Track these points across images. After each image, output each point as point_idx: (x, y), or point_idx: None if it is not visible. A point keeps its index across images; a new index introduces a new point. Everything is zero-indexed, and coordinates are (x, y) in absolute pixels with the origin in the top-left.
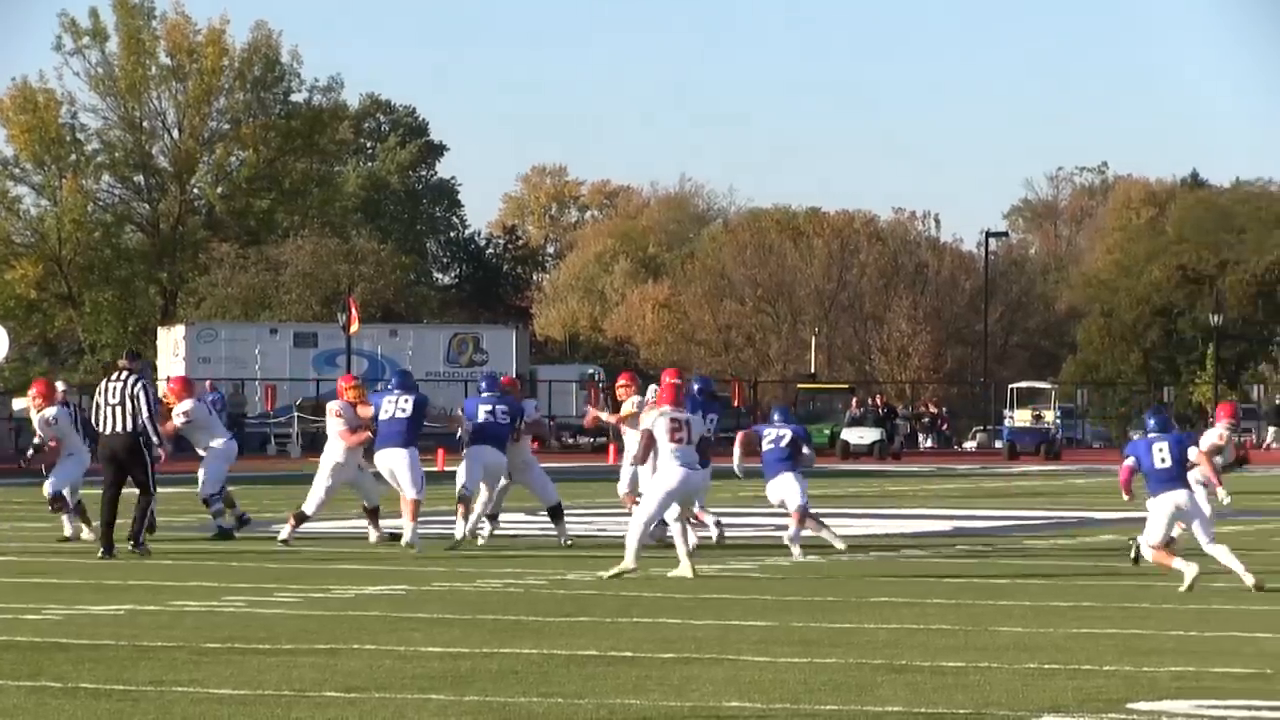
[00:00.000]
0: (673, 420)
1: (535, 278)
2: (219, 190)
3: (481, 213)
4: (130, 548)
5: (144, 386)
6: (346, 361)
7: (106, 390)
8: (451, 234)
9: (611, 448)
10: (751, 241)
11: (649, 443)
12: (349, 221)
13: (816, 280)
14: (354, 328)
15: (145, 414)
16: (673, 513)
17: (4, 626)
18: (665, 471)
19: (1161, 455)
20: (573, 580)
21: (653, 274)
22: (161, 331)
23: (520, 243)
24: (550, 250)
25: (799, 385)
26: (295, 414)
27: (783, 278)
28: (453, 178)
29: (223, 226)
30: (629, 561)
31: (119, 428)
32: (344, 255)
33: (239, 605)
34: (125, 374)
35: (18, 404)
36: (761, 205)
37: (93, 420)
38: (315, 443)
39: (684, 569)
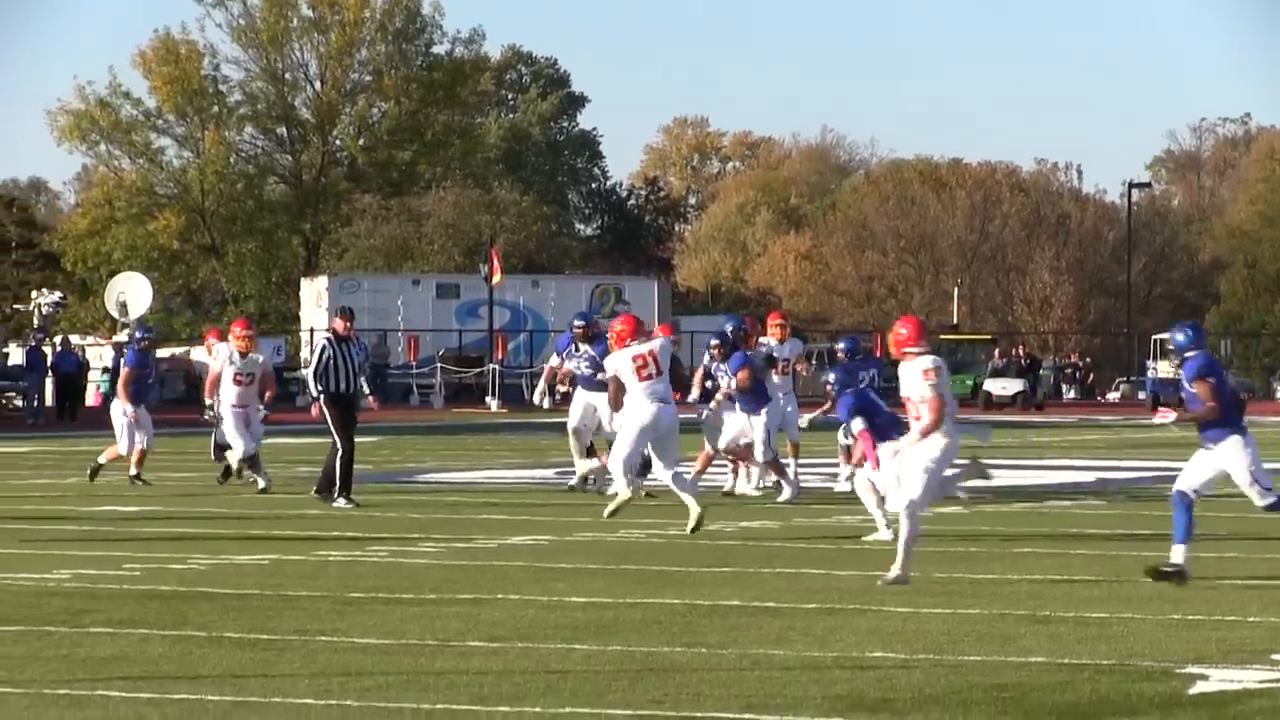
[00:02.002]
0: (636, 357)
1: (677, 229)
2: (361, 142)
3: (623, 164)
4: (336, 499)
5: (364, 346)
6: (489, 312)
7: (339, 350)
8: (593, 185)
9: None
10: (893, 192)
11: (618, 387)
12: (491, 173)
13: (959, 231)
14: (496, 279)
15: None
16: (662, 470)
17: (150, 576)
18: (637, 408)
19: None
20: (716, 530)
21: (794, 225)
22: (304, 283)
23: (662, 194)
24: (692, 201)
25: (941, 336)
26: (438, 365)
27: (925, 229)
28: (594, 129)
29: (365, 178)
30: (624, 492)
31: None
32: (486, 206)
33: (383, 555)
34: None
35: (197, 354)
36: (903, 156)
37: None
38: (458, 394)
39: (693, 512)
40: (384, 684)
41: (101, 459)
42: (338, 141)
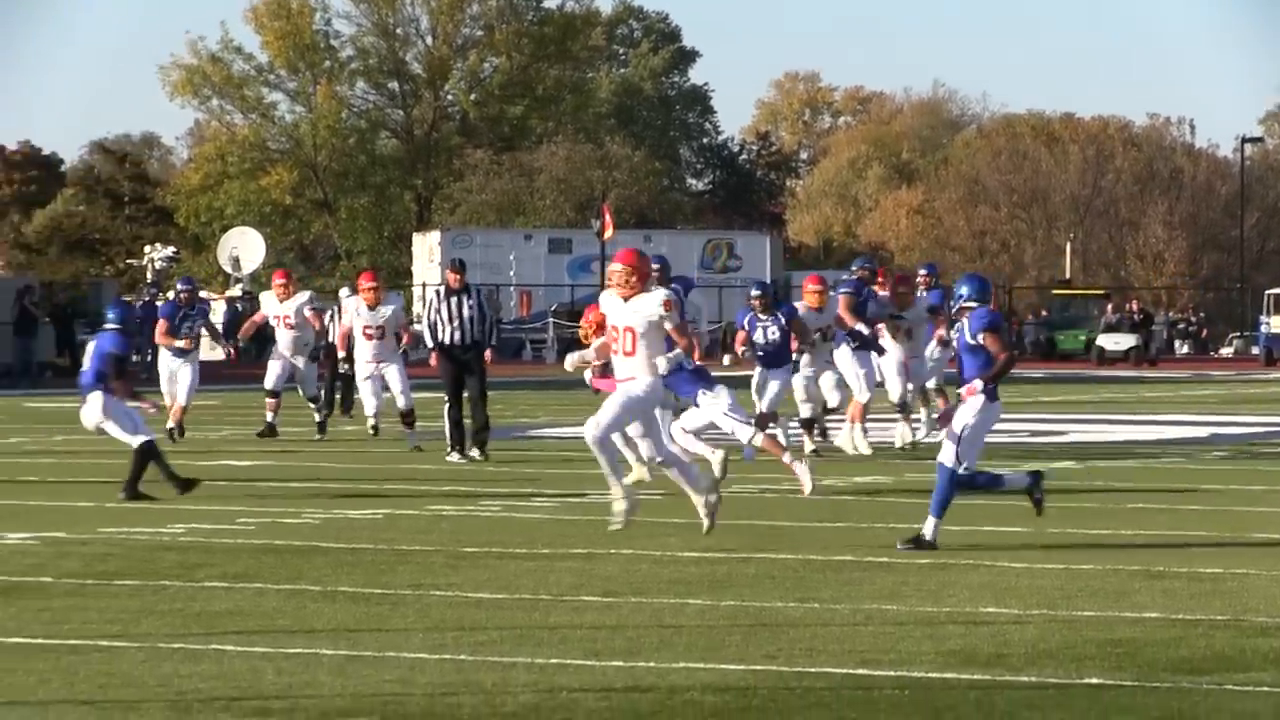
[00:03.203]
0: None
1: (788, 183)
2: (472, 97)
3: (734, 118)
4: (477, 455)
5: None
6: (601, 268)
7: (447, 303)
8: (704, 140)
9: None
10: (1006, 147)
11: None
12: (602, 128)
13: (1071, 186)
14: (608, 234)
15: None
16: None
17: (263, 530)
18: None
19: None
20: (829, 485)
21: (906, 180)
22: (416, 237)
23: (773, 149)
24: (803, 156)
25: (1054, 291)
26: (550, 320)
27: (1037, 183)
28: (705, 84)
29: (476, 133)
30: (636, 470)
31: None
32: (597, 161)
33: (496, 510)
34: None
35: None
36: (1015, 111)
37: (430, 333)
38: (571, 349)
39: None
40: (497, 638)
41: (170, 423)
42: (449, 96)
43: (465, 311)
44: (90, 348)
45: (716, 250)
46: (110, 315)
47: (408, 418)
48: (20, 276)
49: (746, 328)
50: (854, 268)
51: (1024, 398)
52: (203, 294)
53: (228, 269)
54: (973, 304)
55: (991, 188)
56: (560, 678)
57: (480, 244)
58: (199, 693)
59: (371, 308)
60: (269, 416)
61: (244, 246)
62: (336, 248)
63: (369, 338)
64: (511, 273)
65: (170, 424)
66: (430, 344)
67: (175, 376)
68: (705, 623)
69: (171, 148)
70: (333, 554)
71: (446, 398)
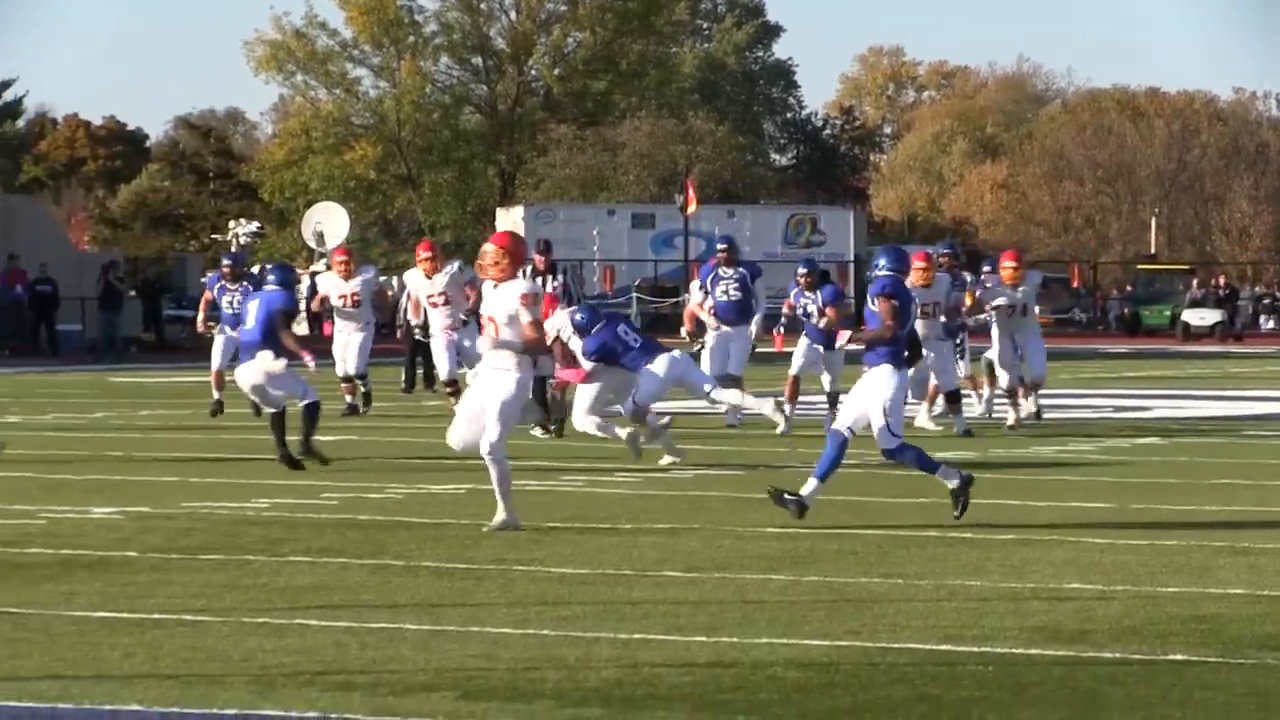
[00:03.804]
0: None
1: (872, 158)
2: (556, 72)
3: (818, 93)
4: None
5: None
6: (684, 242)
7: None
8: (788, 115)
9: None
10: (1091, 122)
11: (564, 351)
12: (685, 102)
13: (1157, 161)
14: (691, 208)
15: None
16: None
17: (347, 505)
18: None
19: None
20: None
21: (990, 154)
22: (500, 212)
23: (857, 123)
24: (887, 131)
25: (1139, 266)
26: (634, 295)
27: (1122, 158)
28: (789, 59)
29: (560, 108)
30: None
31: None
32: (681, 136)
33: (579, 485)
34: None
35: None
36: (1100, 85)
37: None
38: (654, 324)
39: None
40: (580, 613)
41: (216, 393)
42: (533, 71)
43: (550, 292)
44: (253, 307)
45: (800, 225)
46: (273, 277)
47: (448, 386)
48: (105, 252)
49: (794, 301)
50: (941, 251)
51: (1109, 373)
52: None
53: (312, 244)
54: (886, 271)
55: (1076, 163)
56: (643, 653)
57: (564, 219)
58: (282, 667)
59: (429, 277)
60: (348, 399)
61: (328, 221)
62: (420, 223)
63: (433, 305)
64: (595, 248)
65: (216, 395)
66: None
67: (232, 345)
68: (788, 598)
69: (256, 123)
70: (416, 529)
71: None
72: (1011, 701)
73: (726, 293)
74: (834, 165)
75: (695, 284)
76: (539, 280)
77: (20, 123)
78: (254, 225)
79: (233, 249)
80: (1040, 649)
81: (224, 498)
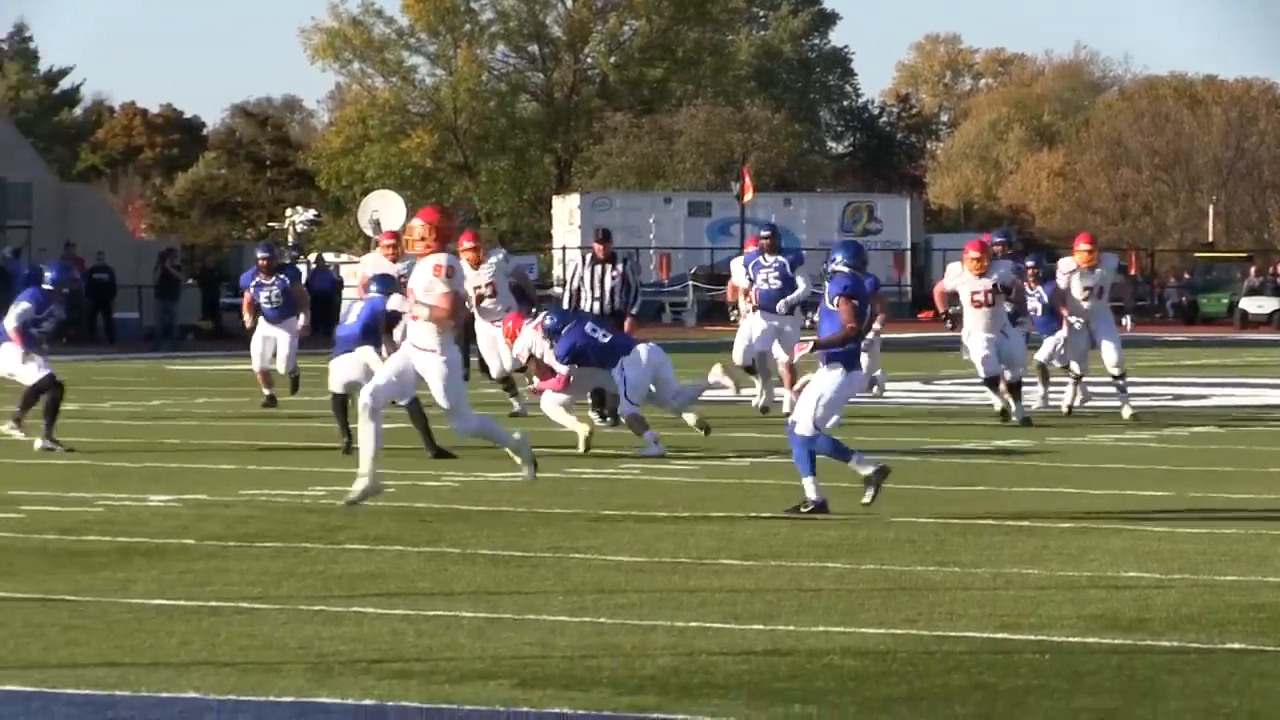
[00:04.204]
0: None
1: (929, 146)
2: (612, 60)
3: (875, 81)
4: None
5: (625, 266)
6: (740, 230)
7: (591, 272)
8: (844, 102)
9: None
10: (1148, 109)
11: (539, 366)
12: (742, 90)
13: (1214, 148)
14: (748, 196)
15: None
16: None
17: (404, 493)
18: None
19: None
20: (969, 449)
21: (1047, 142)
22: (556, 200)
23: (914, 111)
24: (944, 118)
25: (1196, 254)
26: (690, 283)
27: (1180, 145)
28: (845, 46)
29: (616, 96)
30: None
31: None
32: (737, 124)
33: (635, 473)
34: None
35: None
36: (1158, 73)
37: (579, 300)
38: (710, 311)
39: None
40: (637, 601)
41: (265, 390)
42: (589, 59)
43: (608, 281)
44: (357, 307)
45: (857, 213)
46: (377, 286)
47: (502, 382)
48: (162, 240)
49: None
50: (995, 239)
51: (1166, 361)
52: (343, 257)
53: (369, 231)
54: (843, 268)
55: (1133, 150)
56: (700, 641)
57: (620, 207)
58: (339, 655)
59: (474, 268)
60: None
61: (384, 209)
62: (476, 211)
63: (480, 297)
64: (651, 236)
65: (267, 392)
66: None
67: (271, 344)
68: (844, 586)
69: (313, 111)
70: (473, 517)
71: None
72: (1068, 690)
73: (768, 280)
74: (890, 153)
75: (738, 262)
76: (598, 269)
77: (77, 111)
78: (310, 213)
79: (289, 238)
80: (1097, 637)
81: (281, 485)
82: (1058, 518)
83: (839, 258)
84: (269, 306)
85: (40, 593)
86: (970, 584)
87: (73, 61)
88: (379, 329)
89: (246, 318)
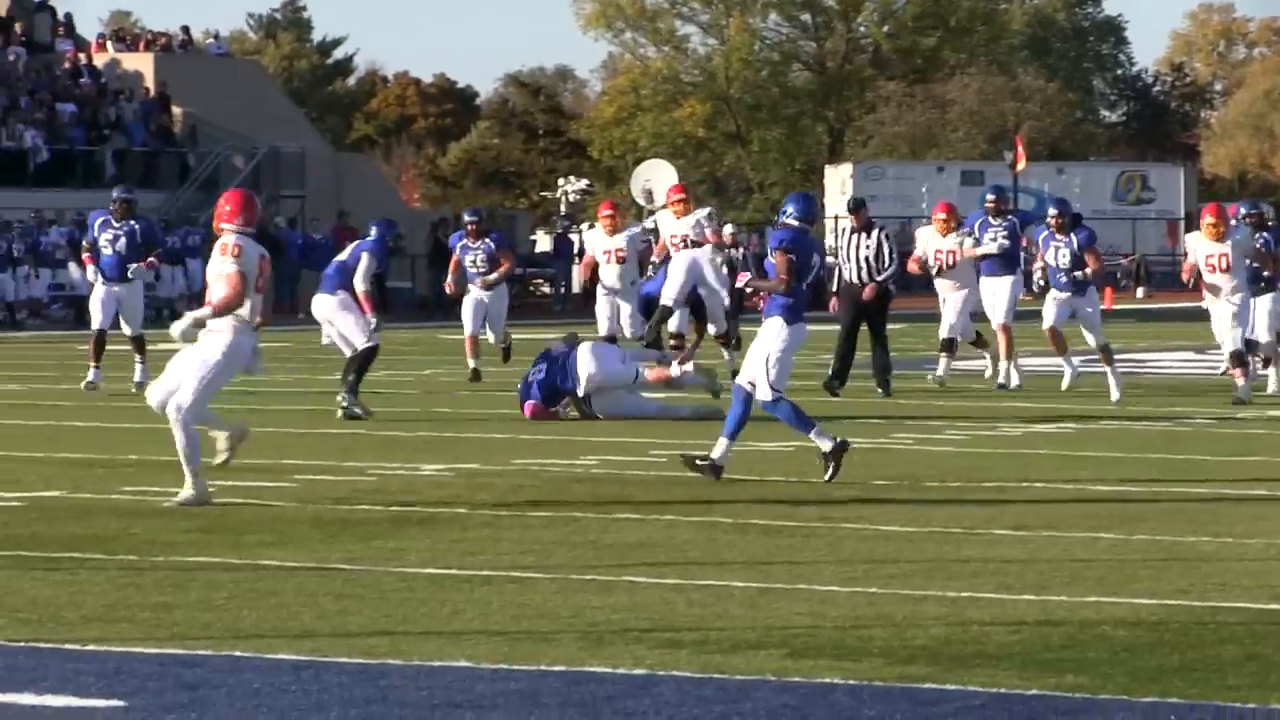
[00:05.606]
0: None
1: (1203, 115)
2: (885, 28)
3: (1148, 50)
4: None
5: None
6: (1014, 199)
7: (850, 241)
8: (1118, 71)
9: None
10: None
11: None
12: (1015, 59)
13: None
14: (1020, 165)
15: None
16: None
17: (675, 462)
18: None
19: None
20: (1241, 419)
21: None
22: (828, 170)
23: (1188, 80)
24: (1218, 88)
25: None
26: None
27: None
28: (1119, 15)
29: (889, 65)
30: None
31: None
32: (1010, 93)
33: (908, 444)
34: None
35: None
36: None
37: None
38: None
39: None
40: (908, 571)
41: (471, 361)
42: (861, 28)
43: (861, 251)
44: None
45: (1130, 183)
46: None
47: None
48: (435, 209)
49: (1041, 247)
50: (1242, 211)
51: None
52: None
53: (640, 201)
54: (792, 220)
55: None
56: (971, 611)
57: (892, 176)
58: (611, 624)
59: (610, 235)
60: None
61: (656, 179)
62: (749, 180)
63: (608, 262)
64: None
65: (471, 364)
66: (833, 285)
67: (483, 309)
68: (1117, 557)
69: (585, 80)
70: (744, 486)
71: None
72: None
73: (995, 239)
74: (1164, 122)
75: (925, 231)
76: (854, 238)
77: (351, 80)
78: (583, 183)
79: (562, 207)
80: None
81: (553, 455)
82: None
83: (790, 209)
84: (473, 270)
85: (313, 561)
86: (1243, 555)
87: (345, 31)
88: None
89: (449, 281)
